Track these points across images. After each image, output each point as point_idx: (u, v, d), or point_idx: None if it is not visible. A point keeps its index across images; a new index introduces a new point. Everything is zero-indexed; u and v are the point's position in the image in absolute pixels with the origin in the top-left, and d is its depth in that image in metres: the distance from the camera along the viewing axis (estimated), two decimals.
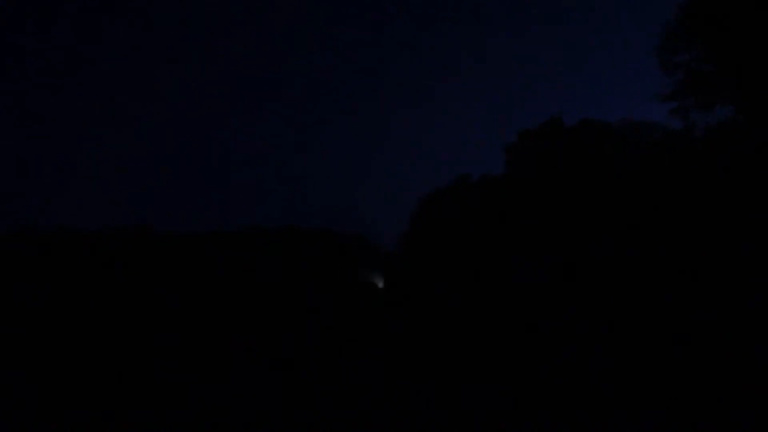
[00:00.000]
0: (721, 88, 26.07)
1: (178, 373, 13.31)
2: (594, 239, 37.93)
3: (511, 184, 49.22)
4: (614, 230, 36.25)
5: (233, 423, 8.88)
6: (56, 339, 20.49)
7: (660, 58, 27.46)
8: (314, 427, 8.68)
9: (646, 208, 33.41)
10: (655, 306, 25.38)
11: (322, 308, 35.63)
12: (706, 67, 26.40)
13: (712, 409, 9.21)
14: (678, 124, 29.16)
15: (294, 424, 8.85)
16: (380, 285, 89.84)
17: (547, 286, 38.30)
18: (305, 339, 19.22)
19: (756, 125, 25.34)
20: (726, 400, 9.78)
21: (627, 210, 35.44)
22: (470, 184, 63.43)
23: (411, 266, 73.44)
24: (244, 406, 9.81)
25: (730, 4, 23.95)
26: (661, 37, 27.21)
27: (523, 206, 44.92)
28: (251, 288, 70.52)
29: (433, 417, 9.13)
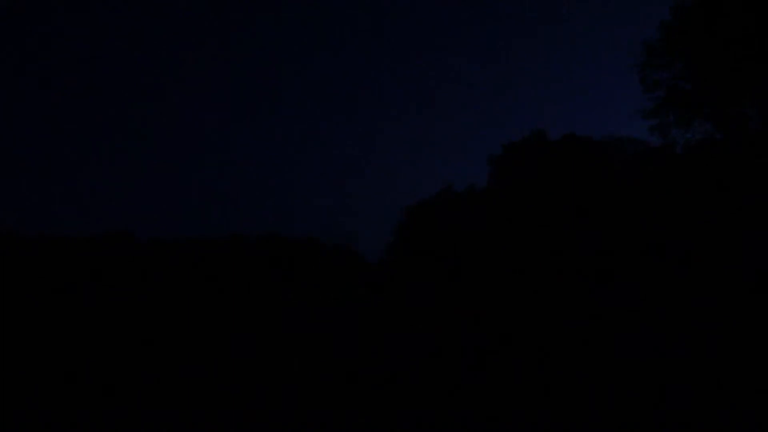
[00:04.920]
0: (700, 106, 26.79)
1: (154, 384, 13.21)
2: (577, 249, 38.47)
3: (495, 196, 49.77)
4: (597, 241, 36.83)
5: None
6: (35, 348, 20.13)
7: (641, 76, 28.14)
8: None
9: (628, 220, 34.04)
10: (644, 309, 25.81)
11: (304, 320, 35.45)
12: (685, 85, 27.13)
13: (712, 409, 9.46)
14: (658, 141, 29.82)
15: None
16: (365, 295, 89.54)
17: (533, 295, 38.66)
18: (286, 351, 19.16)
19: (733, 142, 26.09)
20: (725, 399, 10.04)
21: (609, 222, 36.06)
22: (454, 195, 63.97)
23: (396, 277, 73.51)
24: (227, 421, 9.81)
25: (709, 25, 24.73)
26: (643, 56, 27.90)
27: (507, 218, 45.42)
28: (232, 296, 69.89)
29: (424, 422, 9.24)
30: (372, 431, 9.06)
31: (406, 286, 66.03)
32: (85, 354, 18.44)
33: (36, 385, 12.94)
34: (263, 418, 9.88)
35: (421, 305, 46.55)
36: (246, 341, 22.62)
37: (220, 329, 29.13)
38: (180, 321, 34.94)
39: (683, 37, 26.48)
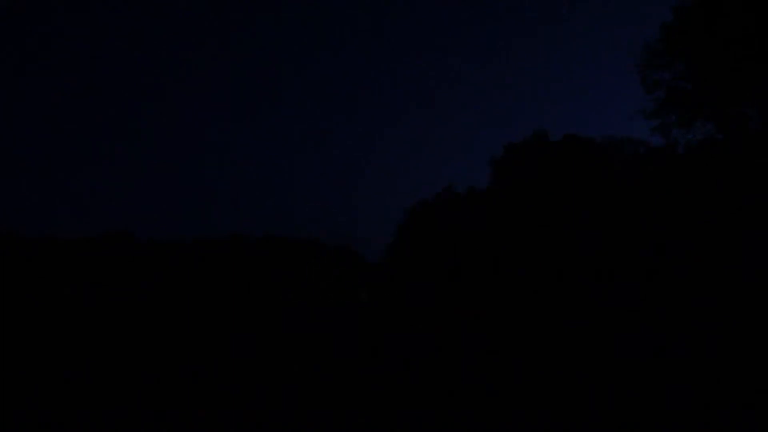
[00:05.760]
0: (701, 106, 26.74)
1: (155, 384, 13.18)
2: (577, 250, 38.45)
3: (496, 197, 49.75)
4: (597, 241, 36.82)
5: None
6: (36, 347, 20.13)
7: (642, 76, 28.07)
8: None
9: (629, 221, 34.03)
10: (644, 309, 25.81)
11: (305, 320, 35.48)
12: (686, 86, 27.08)
13: (712, 409, 9.44)
14: (660, 141, 29.75)
15: None
16: (365, 296, 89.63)
17: (533, 295, 38.65)
18: (286, 351, 19.15)
19: (733, 142, 26.06)
20: (725, 399, 10.02)
21: (610, 222, 36.05)
22: (456, 195, 63.94)
23: (396, 278, 73.52)
24: (221, 423, 9.78)
25: (709, 25, 24.71)
26: (643, 56, 27.85)
27: (508, 219, 45.40)
28: (232, 297, 69.99)
29: (421, 424, 9.23)
30: (372, 431, 9.05)
31: (406, 286, 66.02)
32: (86, 354, 18.44)
33: (36, 385, 12.94)
34: (263, 418, 9.87)
35: (421, 305, 46.51)
36: (246, 341, 22.62)
37: (220, 329, 29.14)
38: (180, 321, 34.94)
39: (683, 37, 26.45)
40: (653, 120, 27.91)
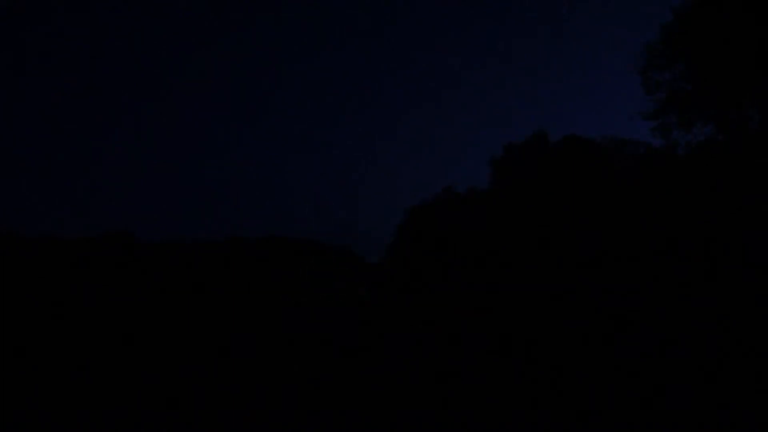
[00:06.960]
0: (702, 107, 26.75)
1: (155, 384, 13.19)
2: (578, 250, 38.47)
3: (496, 197, 49.77)
4: (597, 241, 36.84)
5: None
6: (36, 348, 20.15)
7: (643, 77, 28.08)
8: None
9: (629, 221, 34.05)
10: (644, 309, 25.81)
11: (305, 320, 35.45)
12: (686, 87, 27.08)
13: (712, 409, 9.46)
14: (660, 142, 29.73)
15: None
16: (365, 296, 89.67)
17: (533, 295, 38.66)
18: (286, 352, 19.17)
19: (733, 143, 26.08)
20: (725, 399, 10.03)
21: (610, 223, 36.08)
22: (456, 196, 63.97)
23: (396, 278, 73.51)
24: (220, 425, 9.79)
25: (710, 27, 24.73)
26: (644, 57, 27.86)
27: (508, 219, 45.43)
28: (233, 297, 69.88)
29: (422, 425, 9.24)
30: (372, 431, 9.07)
31: (406, 286, 66.02)
32: (86, 354, 18.45)
33: (36, 385, 12.95)
34: (263, 418, 9.89)
35: (421, 305, 46.49)
36: (246, 342, 22.63)
37: (220, 330, 29.14)
38: (181, 322, 34.94)
39: (684, 38, 26.47)
40: (653, 121, 27.92)
